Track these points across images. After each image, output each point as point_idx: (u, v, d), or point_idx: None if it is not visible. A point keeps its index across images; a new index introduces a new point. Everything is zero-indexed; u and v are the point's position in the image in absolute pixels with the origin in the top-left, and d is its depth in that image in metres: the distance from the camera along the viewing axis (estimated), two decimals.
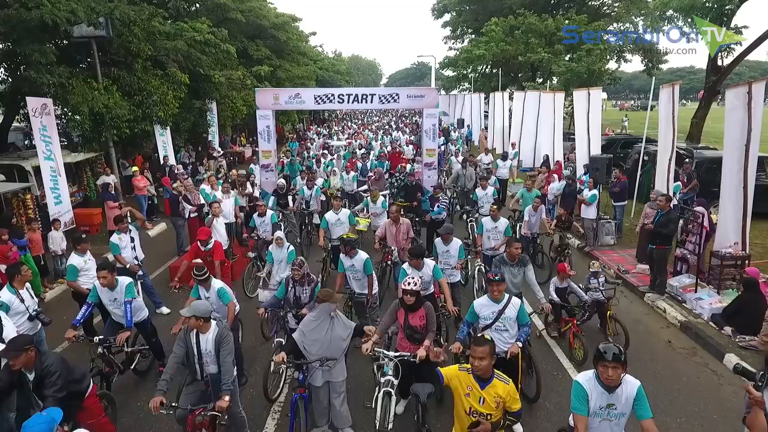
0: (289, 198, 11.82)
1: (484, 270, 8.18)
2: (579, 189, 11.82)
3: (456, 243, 7.27)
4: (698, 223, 8.53)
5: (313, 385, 4.92)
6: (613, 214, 11.98)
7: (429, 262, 6.37)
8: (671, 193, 9.95)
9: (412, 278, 5.06)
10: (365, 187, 13.67)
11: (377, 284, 6.93)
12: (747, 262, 8.29)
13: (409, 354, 4.87)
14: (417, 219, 10.54)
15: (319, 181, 12.83)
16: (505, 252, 6.70)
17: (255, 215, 9.62)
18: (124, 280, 6.05)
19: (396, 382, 4.88)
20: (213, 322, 4.59)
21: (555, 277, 7.32)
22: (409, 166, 15.21)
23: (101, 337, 5.85)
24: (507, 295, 5.14)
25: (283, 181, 12.17)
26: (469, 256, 8.42)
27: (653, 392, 5.82)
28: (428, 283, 6.37)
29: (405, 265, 6.41)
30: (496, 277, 5.10)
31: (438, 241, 7.45)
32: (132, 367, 6.31)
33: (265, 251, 8.78)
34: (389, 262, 8.48)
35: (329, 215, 9.04)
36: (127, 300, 5.93)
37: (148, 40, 14.54)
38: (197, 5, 22.32)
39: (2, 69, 13.45)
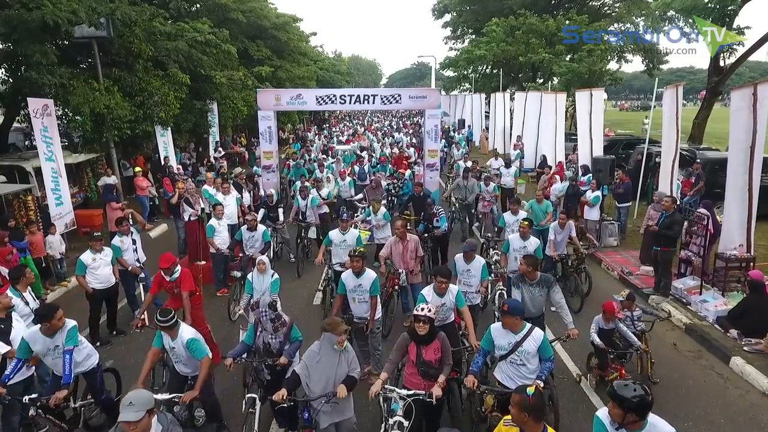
0: (280, 211, 10.75)
1: (506, 295, 7.24)
2: (582, 191, 11.78)
3: (479, 261, 6.54)
4: (702, 225, 8.50)
5: (320, 426, 4.37)
6: (616, 215, 11.95)
7: (452, 288, 5.63)
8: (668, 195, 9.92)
9: (427, 304, 4.51)
10: (360, 195, 12.65)
11: (380, 310, 6.24)
12: (752, 264, 8.27)
13: (423, 393, 4.34)
14: (427, 234, 9.21)
15: (324, 191, 11.72)
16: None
17: (243, 228, 8.56)
18: (67, 324, 4.85)
19: (407, 424, 4.27)
20: (154, 420, 3.32)
21: (598, 316, 6.14)
22: (408, 172, 14.36)
23: (33, 396, 4.64)
24: (528, 326, 4.54)
25: (273, 190, 11.25)
26: (491, 277, 7.52)
27: (659, 395, 5.78)
28: (449, 310, 5.67)
29: (425, 290, 5.63)
30: (504, 309, 4.51)
31: (458, 258, 6.63)
32: (81, 424, 5.25)
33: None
34: (396, 287, 7.48)
35: (334, 234, 7.79)
36: (67, 348, 4.72)
37: (149, 40, 14.50)
38: (198, 5, 22.28)
39: (2, 69, 13.40)
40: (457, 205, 12.51)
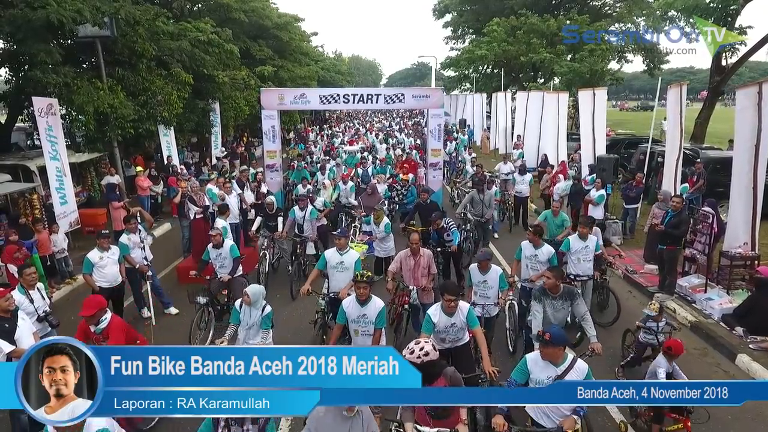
0: (279, 220, 9.70)
1: (517, 305, 6.91)
2: (585, 189, 11.80)
3: (495, 271, 6.14)
4: (707, 223, 8.52)
5: None
6: (622, 215, 11.99)
7: (463, 306, 5.10)
8: (678, 194, 9.95)
9: (419, 345, 3.82)
10: (355, 202, 11.82)
11: (384, 339, 5.43)
12: (756, 262, 8.29)
13: (448, 430, 3.88)
14: (440, 249, 8.55)
15: (319, 201, 10.91)
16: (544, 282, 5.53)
17: (210, 246, 7.40)
18: None
19: None
20: None
21: (662, 359, 5.18)
22: (410, 176, 13.78)
23: None
24: (570, 356, 4.04)
25: (272, 197, 10.39)
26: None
27: None
28: (461, 330, 5.15)
29: (431, 310, 5.08)
30: (546, 338, 3.95)
31: (473, 268, 6.28)
32: None
33: (221, 296, 7.05)
34: (406, 306, 6.84)
35: (330, 254, 6.60)
36: None
37: (153, 40, 14.52)
38: (200, 5, 22.32)
39: (6, 69, 13.41)
40: (472, 221, 10.77)
